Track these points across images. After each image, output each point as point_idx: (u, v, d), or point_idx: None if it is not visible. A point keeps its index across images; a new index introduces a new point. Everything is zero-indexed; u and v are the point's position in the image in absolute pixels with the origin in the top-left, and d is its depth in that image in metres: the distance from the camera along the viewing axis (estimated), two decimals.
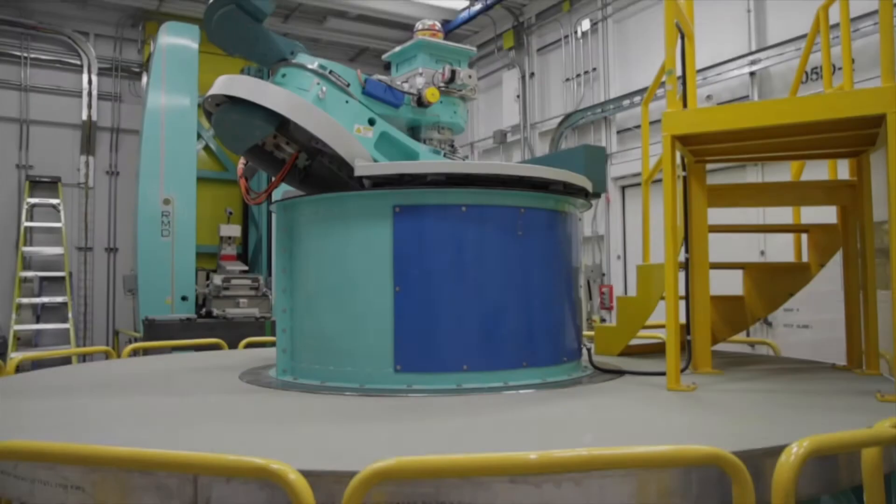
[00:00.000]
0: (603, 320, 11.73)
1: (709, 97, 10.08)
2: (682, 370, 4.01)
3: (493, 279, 4.00)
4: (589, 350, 4.61)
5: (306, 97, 4.10)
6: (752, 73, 9.58)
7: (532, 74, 13.46)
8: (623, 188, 11.84)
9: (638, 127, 11.26)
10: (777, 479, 2.08)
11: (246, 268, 11.92)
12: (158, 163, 11.16)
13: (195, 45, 11.63)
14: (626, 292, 11.58)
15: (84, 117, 13.14)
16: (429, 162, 4.20)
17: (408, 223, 3.93)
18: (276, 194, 4.62)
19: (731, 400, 3.53)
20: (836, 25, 4.93)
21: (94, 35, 13.47)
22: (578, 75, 12.42)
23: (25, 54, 12.86)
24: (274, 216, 4.55)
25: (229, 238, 11.92)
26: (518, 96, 13.43)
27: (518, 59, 13.51)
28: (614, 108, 11.63)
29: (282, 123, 4.12)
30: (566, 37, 12.67)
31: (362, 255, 3.98)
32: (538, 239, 4.13)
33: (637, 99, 11.13)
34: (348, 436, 2.84)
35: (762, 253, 8.98)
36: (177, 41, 11.57)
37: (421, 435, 2.87)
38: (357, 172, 3.96)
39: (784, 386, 3.94)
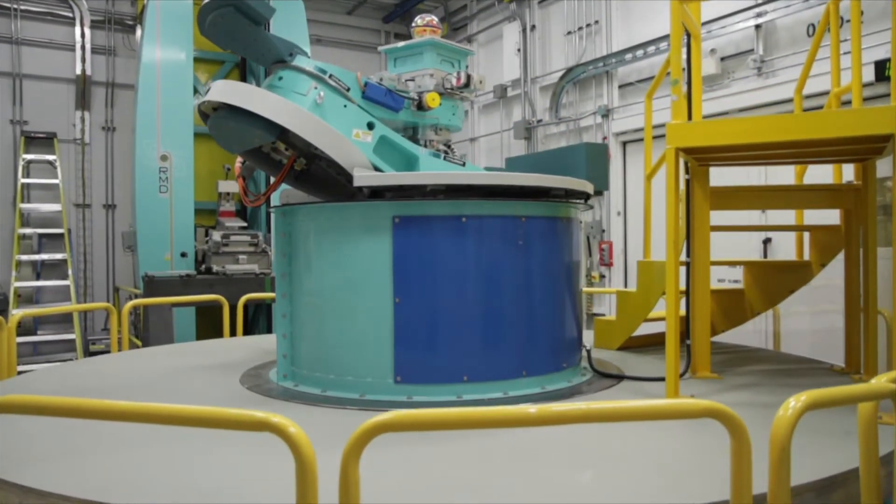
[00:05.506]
0: (602, 276, 11.76)
1: (712, 51, 9.88)
2: (682, 374, 4.03)
3: (494, 289, 3.99)
4: (589, 352, 4.62)
5: (303, 101, 4.01)
6: (757, 27, 9.37)
7: (533, 27, 13.17)
8: (624, 143, 11.71)
9: (640, 81, 11.10)
10: (774, 433, 2.11)
11: (245, 224, 11.86)
12: (155, 118, 10.99)
13: None
14: (625, 249, 11.58)
15: (78, 72, 12.89)
16: (428, 173, 4.14)
17: (407, 234, 3.90)
18: (275, 193, 4.58)
19: None
20: None
21: None
22: (580, 28, 12.16)
23: (15, 6, 12.54)
24: (273, 219, 4.51)
25: (228, 194, 11.80)
26: (519, 50, 13.17)
27: (519, 11, 13.20)
28: (616, 62, 11.43)
29: (280, 130, 4.04)
30: None
31: (362, 266, 3.96)
32: (539, 247, 4.11)
33: (640, 52, 10.94)
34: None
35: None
36: None
37: (418, 472, 2.84)
38: (356, 183, 3.91)
39: (782, 398, 3.93)
